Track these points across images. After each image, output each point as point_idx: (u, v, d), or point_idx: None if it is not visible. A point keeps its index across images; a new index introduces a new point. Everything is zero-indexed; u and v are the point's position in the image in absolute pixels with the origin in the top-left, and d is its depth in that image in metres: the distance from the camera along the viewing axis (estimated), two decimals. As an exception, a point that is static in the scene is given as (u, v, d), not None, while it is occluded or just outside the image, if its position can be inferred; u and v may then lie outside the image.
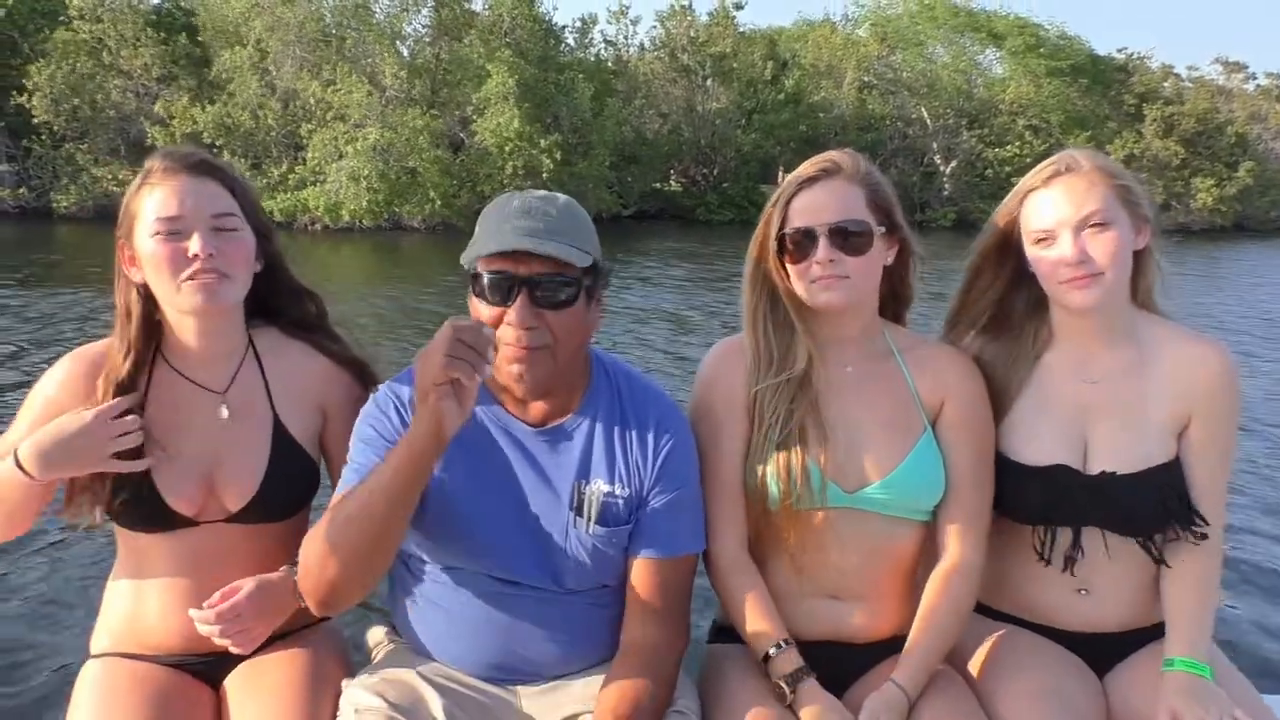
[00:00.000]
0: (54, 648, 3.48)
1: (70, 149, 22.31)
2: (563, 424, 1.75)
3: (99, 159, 22.32)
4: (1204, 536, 1.83)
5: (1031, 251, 1.86)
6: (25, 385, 1.84)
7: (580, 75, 25.55)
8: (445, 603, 1.79)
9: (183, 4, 24.82)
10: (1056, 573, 1.92)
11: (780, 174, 1.78)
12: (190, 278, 1.72)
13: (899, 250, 1.90)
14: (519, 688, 1.79)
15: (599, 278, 1.70)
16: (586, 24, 29.26)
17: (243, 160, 22.20)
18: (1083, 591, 1.93)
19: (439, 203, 22.33)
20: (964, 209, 30.71)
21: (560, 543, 1.73)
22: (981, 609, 2.01)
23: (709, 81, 30.58)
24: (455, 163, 23.20)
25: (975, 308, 2.03)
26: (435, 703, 1.69)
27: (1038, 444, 1.89)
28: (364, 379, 1.98)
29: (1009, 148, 31.70)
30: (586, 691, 1.74)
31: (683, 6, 30.88)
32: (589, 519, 1.72)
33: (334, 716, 1.76)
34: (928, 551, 1.92)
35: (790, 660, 1.78)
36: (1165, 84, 38.02)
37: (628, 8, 31.82)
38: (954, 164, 32.19)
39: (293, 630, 1.96)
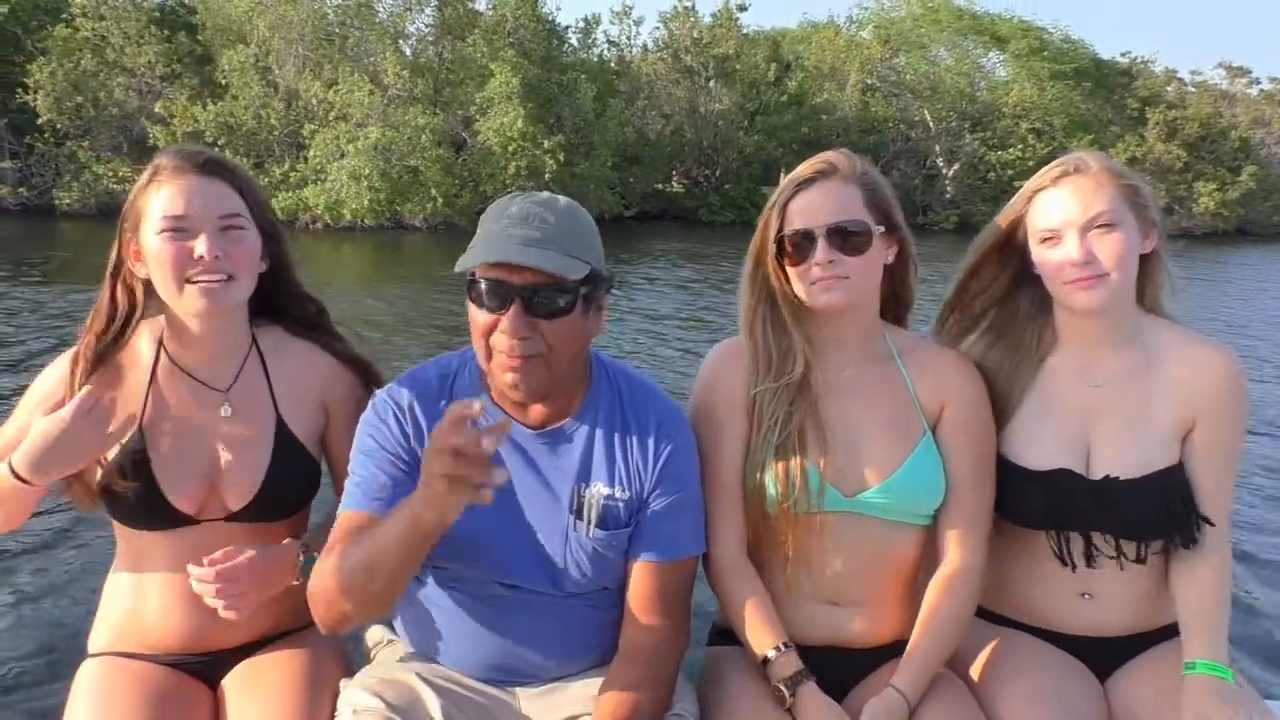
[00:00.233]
0: (51, 646, 3.47)
1: (73, 146, 22.32)
2: (562, 427, 1.75)
3: (101, 156, 22.33)
4: (1194, 542, 1.82)
5: (1037, 251, 1.85)
6: (27, 382, 1.84)
7: (583, 76, 25.54)
8: (444, 605, 1.79)
9: (186, 1, 24.82)
10: (1060, 577, 1.92)
11: (782, 176, 1.78)
12: (194, 279, 1.72)
13: (898, 250, 1.89)
14: (518, 689, 1.79)
15: (599, 285, 1.68)
16: (590, 24, 29.26)
17: (245, 159, 22.20)
18: (1086, 596, 1.92)
19: (441, 202, 22.32)
20: (966, 212, 30.68)
21: (560, 546, 1.73)
22: (982, 613, 2.00)
23: (712, 83, 30.57)
24: (458, 162, 23.20)
25: (972, 305, 2.02)
26: (433, 703, 1.69)
27: (1040, 448, 1.89)
28: (366, 378, 1.98)
29: (1012, 151, 31.68)
30: (585, 693, 1.74)
31: (686, 8, 30.87)
32: (589, 522, 1.72)
33: (332, 717, 1.76)
34: (928, 556, 1.92)
35: (789, 664, 1.77)
36: (1168, 88, 38.00)
37: (631, 8, 31.80)
38: (956, 167, 32.17)
39: (291, 630, 1.97)
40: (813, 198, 1.81)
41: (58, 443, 1.65)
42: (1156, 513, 1.83)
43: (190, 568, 1.73)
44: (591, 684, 1.74)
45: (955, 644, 1.86)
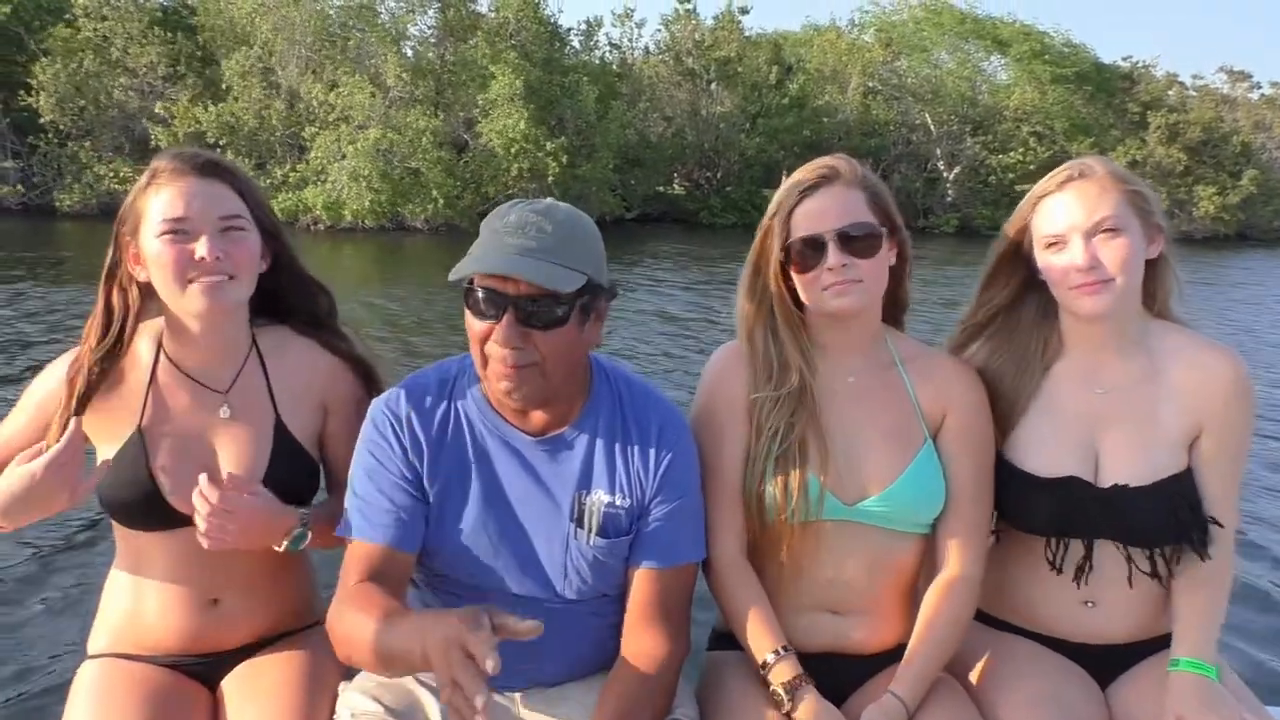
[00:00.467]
0: (51, 648, 3.47)
1: (75, 147, 22.34)
2: (562, 434, 1.73)
3: (103, 157, 22.34)
4: (1206, 551, 1.81)
5: (1042, 257, 1.84)
6: (28, 380, 1.84)
7: (585, 78, 25.56)
8: (445, 608, 1.78)
9: (189, 1, 24.83)
10: (1063, 584, 1.91)
11: (784, 178, 1.76)
12: (196, 279, 1.72)
13: (898, 252, 1.89)
14: (517, 695, 1.78)
15: (598, 295, 1.66)
16: (592, 26, 29.28)
17: (246, 160, 22.22)
18: (1090, 604, 1.91)
19: (442, 204, 22.33)
20: (967, 215, 30.72)
21: (560, 555, 1.72)
22: (983, 618, 2.00)
23: (713, 85, 30.59)
24: (460, 164, 23.20)
25: (987, 314, 2.01)
26: (432, 707, 1.69)
27: (1047, 455, 1.88)
28: (369, 380, 1.97)
29: (1013, 154, 31.70)
30: (585, 699, 1.73)
31: (687, 10, 30.90)
32: (590, 530, 1.71)
33: (330, 719, 1.76)
34: (927, 563, 1.91)
35: (789, 668, 1.76)
36: (1170, 92, 38.03)
37: (633, 10, 31.86)
38: (957, 170, 32.19)
39: (290, 632, 1.97)
40: (819, 203, 1.79)
41: (29, 494, 1.65)
42: (1165, 520, 1.82)
43: (202, 478, 1.69)
44: (591, 690, 1.74)
45: (953, 650, 1.85)
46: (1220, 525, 1.82)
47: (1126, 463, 1.85)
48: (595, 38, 29.58)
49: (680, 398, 1.97)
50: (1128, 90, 36.51)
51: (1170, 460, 1.84)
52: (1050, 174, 1.88)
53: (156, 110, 22.32)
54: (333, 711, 1.77)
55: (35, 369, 1.89)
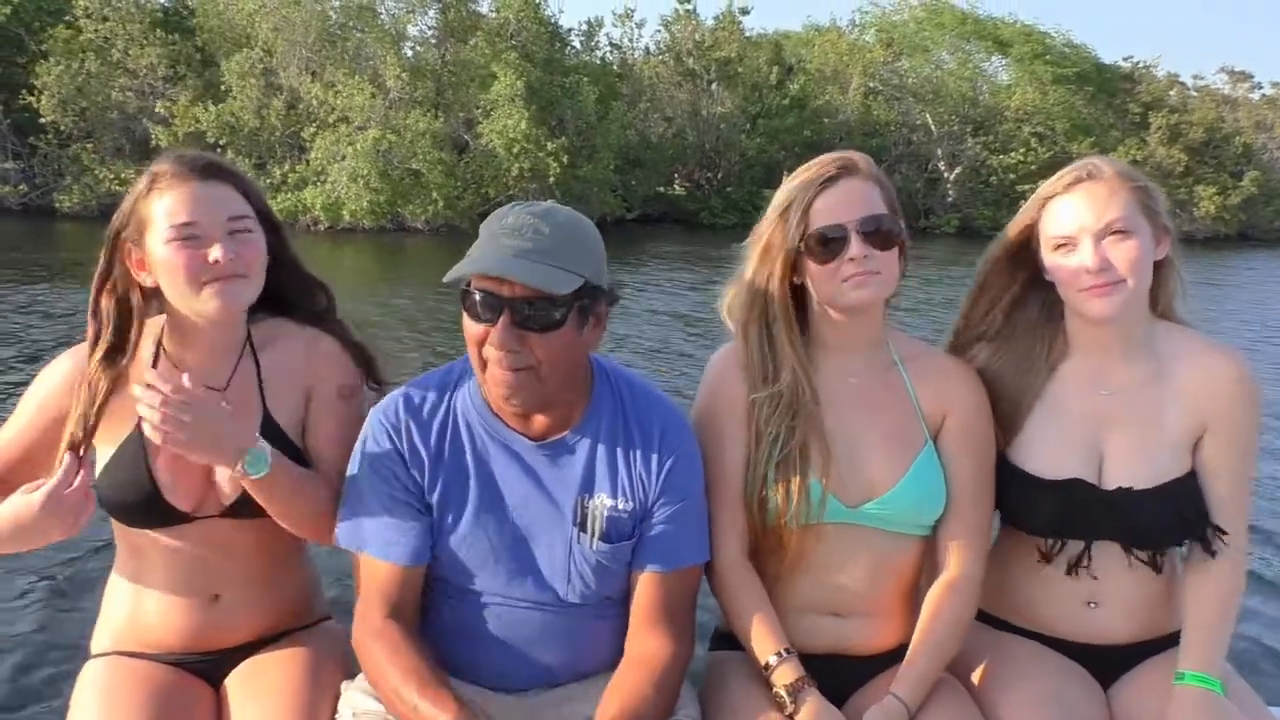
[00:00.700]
0: (55, 648, 3.47)
1: (76, 149, 22.34)
2: (564, 438, 1.73)
3: (104, 159, 22.34)
4: (1213, 552, 1.81)
5: (1050, 258, 1.83)
6: (29, 379, 1.84)
7: (585, 79, 25.54)
8: (445, 615, 1.79)
9: (189, 2, 24.83)
10: (1066, 585, 1.91)
11: (784, 178, 1.75)
12: (210, 282, 1.72)
13: (900, 249, 1.89)
14: (520, 696, 1.78)
15: (597, 298, 1.65)
16: (592, 27, 29.28)
17: (246, 160, 22.22)
18: (1093, 604, 1.91)
19: (442, 204, 22.31)
20: (968, 215, 30.68)
21: (563, 559, 1.72)
22: (986, 618, 2.00)
23: (714, 85, 30.55)
24: (460, 164, 23.19)
25: (985, 320, 1.99)
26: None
27: (1051, 456, 1.87)
28: (367, 367, 1.95)
29: (1013, 155, 31.65)
30: (589, 700, 1.73)
31: (687, 10, 30.87)
32: (593, 535, 1.71)
33: (332, 718, 1.76)
34: (928, 564, 1.91)
35: (791, 670, 1.76)
36: (1171, 92, 37.97)
37: (633, 11, 31.83)
38: (958, 170, 32.15)
39: (291, 630, 1.98)
40: (840, 194, 1.78)
41: (30, 527, 1.65)
42: (1170, 521, 1.82)
43: (149, 372, 1.66)
44: (595, 690, 1.73)
45: (955, 651, 1.85)
46: (1224, 532, 1.81)
47: (1131, 465, 1.84)
48: (596, 38, 29.59)
49: (685, 398, 1.97)
50: (1129, 91, 36.46)
51: (1175, 462, 1.84)
52: (1057, 175, 1.87)
53: (157, 110, 22.32)
54: (335, 710, 1.77)
55: (36, 369, 1.89)
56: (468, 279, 1.59)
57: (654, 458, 1.73)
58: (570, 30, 28.46)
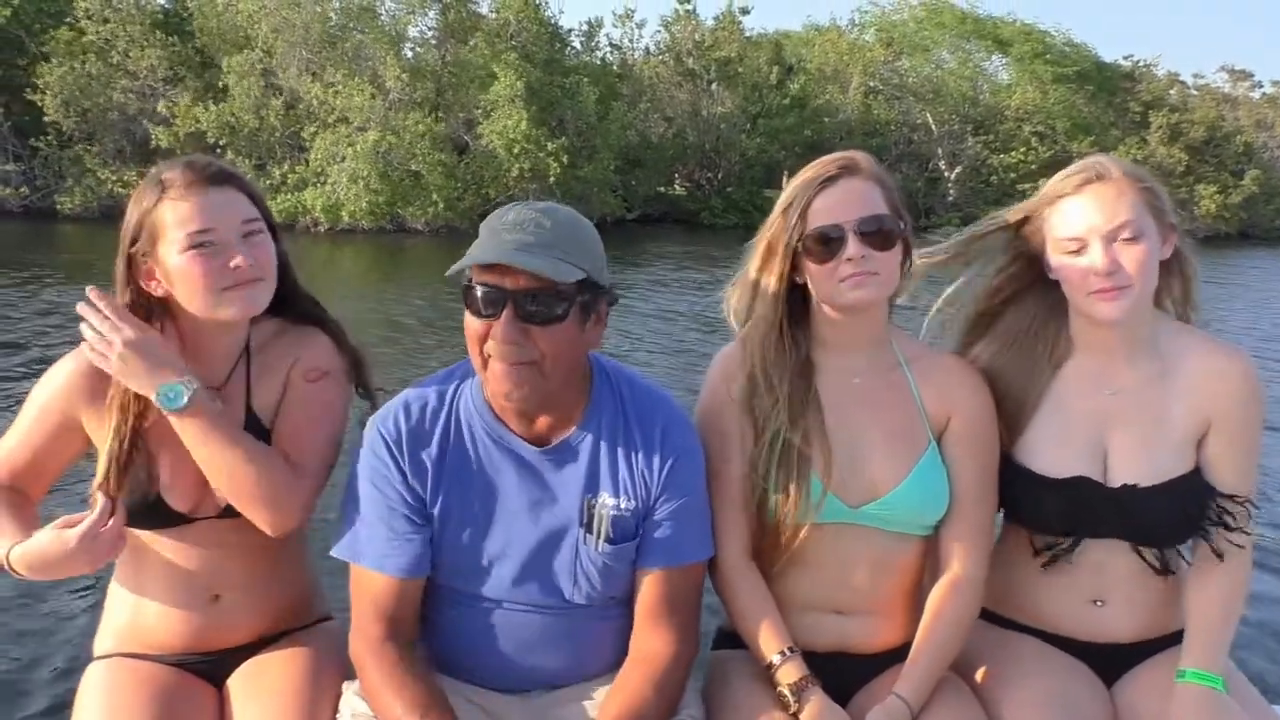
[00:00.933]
0: (58, 650, 3.47)
1: (79, 150, 22.37)
2: (567, 439, 1.73)
3: (105, 161, 22.36)
4: (1220, 554, 1.81)
5: (1058, 259, 1.82)
6: (33, 381, 1.85)
7: (586, 79, 25.54)
8: (448, 620, 1.79)
9: (189, 4, 24.84)
10: (1070, 583, 1.91)
11: (784, 179, 1.76)
12: (231, 288, 1.72)
13: (903, 250, 1.89)
14: (523, 697, 1.78)
15: (597, 295, 1.66)
16: (593, 27, 29.29)
17: (246, 160, 22.23)
18: (1098, 602, 1.91)
19: (442, 205, 22.32)
20: (968, 215, 30.48)
21: (569, 561, 1.72)
22: (990, 617, 2.00)
23: (714, 85, 30.55)
24: (460, 165, 23.19)
25: (989, 309, 2.00)
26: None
27: (1056, 455, 1.87)
28: (350, 361, 1.93)
29: (1014, 154, 31.66)
30: (592, 701, 1.73)
31: (687, 10, 30.87)
32: (599, 536, 1.70)
33: (333, 718, 1.76)
34: (931, 563, 1.91)
35: (795, 669, 1.76)
36: (1171, 91, 37.96)
37: (633, 11, 31.82)
38: (959, 170, 32.16)
39: (292, 630, 1.98)
40: (839, 194, 1.78)
41: (62, 562, 1.68)
42: (1176, 519, 1.82)
43: (89, 290, 1.72)
44: (598, 691, 1.74)
45: (957, 651, 1.85)
46: (1236, 506, 1.81)
47: (1136, 463, 1.84)
48: (596, 39, 29.61)
49: (688, 398, 1.97)
50: (1129, 89, 36.45)
51: (1179, 461, 1.84)
52: (1065, 174, 1.85)
53: (159, 110, 22.34)
54: (336, 710, 1.77)
55: (40, 371, 1.89)
56: (470, 276, 1.59)
57: (656, 456, 1.72)
58: (570, 31, 28.52)
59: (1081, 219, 1.78)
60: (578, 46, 28.79)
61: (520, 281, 1.55)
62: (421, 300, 12.74)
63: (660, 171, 29.72)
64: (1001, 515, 1.97)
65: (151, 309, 1.79)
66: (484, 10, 25.64)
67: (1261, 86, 41.35)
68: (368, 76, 22.70)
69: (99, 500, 1.69)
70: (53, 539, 1.67)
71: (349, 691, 1.77)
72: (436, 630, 1.81)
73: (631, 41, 32.24)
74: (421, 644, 1.83)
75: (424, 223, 22.62)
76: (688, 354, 9.88)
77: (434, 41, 25.18)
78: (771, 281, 1.85)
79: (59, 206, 21.94)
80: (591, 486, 1.72)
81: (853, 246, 1.75)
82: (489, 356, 1.60)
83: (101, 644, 1.94)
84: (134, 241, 1.75)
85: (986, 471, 1.87)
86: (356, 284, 14.76)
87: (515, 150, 22.62)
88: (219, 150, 21.68)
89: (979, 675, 1.92)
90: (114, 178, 21.66)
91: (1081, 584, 1.91)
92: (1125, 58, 38.91)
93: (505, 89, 22.63)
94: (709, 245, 22.02)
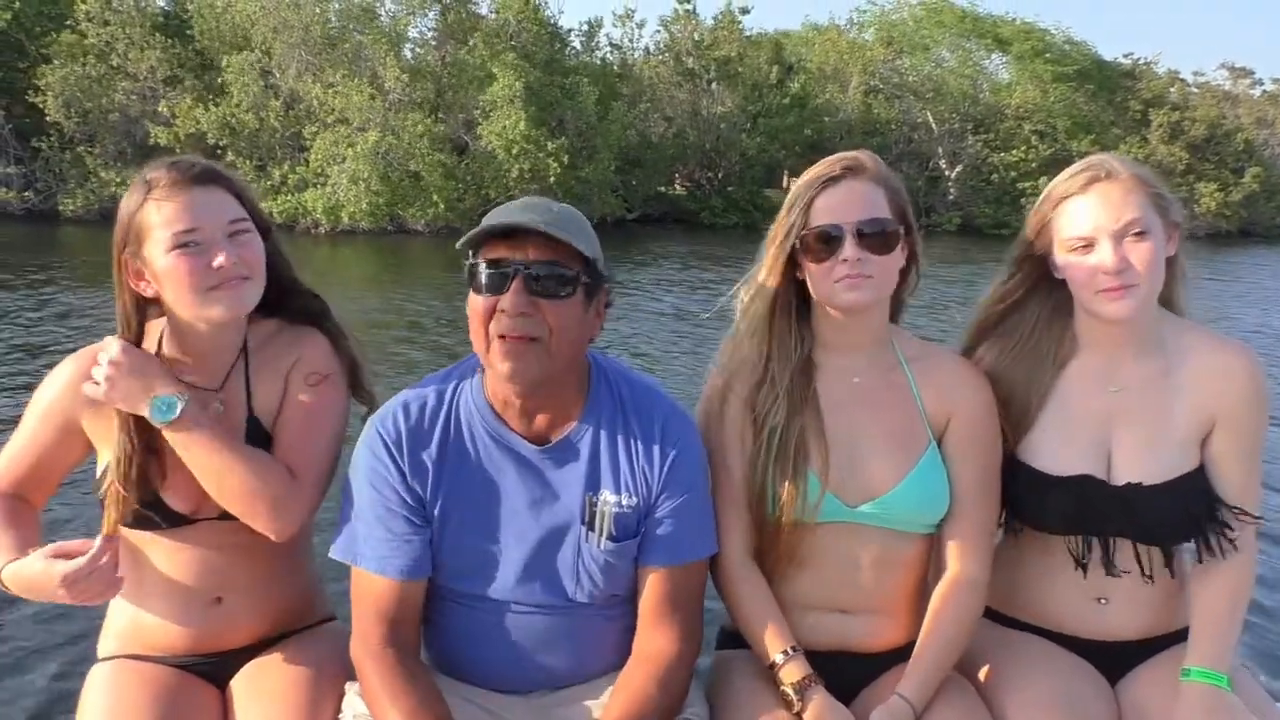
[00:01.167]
0: (61, 653, 3.47)
1: (81, 150, 22.38)
2: (567, 437, 1.73)
3: (107, 162, 22.37)
4: (1219, 552, 1.81)
5: (1065, 259, 1.82)
6: (35, 382, 1.85)
7: (585, 79, 25.54)
8: (450, 620, 1.79)
9: (189, 5, 24.85)
10: (1076, 581, 1.91)
11: (785, 178, 1.74)
12: (217, 287, 1.72)
13: (909, 254, 1.88)
14: (526, 698, 1.78)
15: (599, 281, 1.68)
16: (592, 28, 29.28)
17: (247, 161, 22.23)
18: (1102, 600, 1.91)
19: (442, 206, 22.32)
20: (969, 213, 30.66)
21: (571, 559, 1.72)
22: (995, 616, 2.00)
23: (714, 85, 30.53)
24: (460, 166, 23.19)
25: (995, 310, 2.00)
26: (439, 707, 1.69)
27: (1061, 453, 1.87)
28: (348, 364, 1.94)
29: (1014, 152, 31.64)
30: (595, 701, 1.73)
31: (686, 10, 30.85)
32: (600, 533, 1.70)
33: (335, 719, 1.76)
34: (934, 562, 1.91)
35: (798, 668, 1.77)
36: (1171, 89, 37.94)
37: (633, 11, 31.80)
38: (959, 169, 32.14)
39: (295, 630, 1.99)
40: (840, 195, 1.79)
41: (52, 594, 1.66)
42: (1180, 517, 1.82)
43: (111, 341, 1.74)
44: (601, 692, 1.74)
45: (960, 651, 1.85)
46: (1238, 520, 1.81)
47: (1140, 461, 1.84)
48: (596, 39, 29.60)
49: (693, 398, 1.97)
50: (1129, 88, 36.43)
51: (1184, 459, 1.84)
52: (1069, 173, 1.85)
53: (160, 111, 22.35)
54: (338, 711, 1.77)
55: (42, 374, 1.89)
56: (474, 260, 1.61)
57: (656, 452, 1.73)
58: (570, 31, 28.50)
59: (1089, 218, 1.78)
60: (577, 46, 28.77)
61: (530, 254, 1.57)
62: (422, 300, 12.74)
63: (660, 171, 29.69)
64: (1005, 514, 1.97)
65: (147, 310, 1.80)
66: (483, 11, 25.65)
67: (1262, 84, 41.34)
68: (367, 77, 22.69)
69: (95, 542, 1.66)
70: (41, 570, 1.66)
71: (351, 692, 1.77)
72: (439, 632, 1.81)
73: (631, 41, 32.22)
74: (424, 646, 1.83)
75: (424, 224, 22.62)
76: (690, 354, 9.87)
77: (434, 42, 25.18)
78: (774, 279, 1.86)
79: (61, 209, 21.95)
80: (593, 484, 1.72)
81: (849, 248, 1.75)
82: (494, 336, 1.60)
83: (105, 646, 1.94)
84: (123, 243, 1.76)
85: (988, 471, 1.87)
86: (357, 285, 14.76)
87: (514, 151, 22.62)
88: (219, 151, 21.68)
89: (983, 674, 1.92)
90: (116, 179, 21.65)
91: (1085, 583, 1.91)
92: (1125, 56, 38.95)
93: (503, 90, 22.63)
94: (712, 245, 22.01)
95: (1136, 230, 1.75)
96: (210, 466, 1.73)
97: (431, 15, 24.94)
